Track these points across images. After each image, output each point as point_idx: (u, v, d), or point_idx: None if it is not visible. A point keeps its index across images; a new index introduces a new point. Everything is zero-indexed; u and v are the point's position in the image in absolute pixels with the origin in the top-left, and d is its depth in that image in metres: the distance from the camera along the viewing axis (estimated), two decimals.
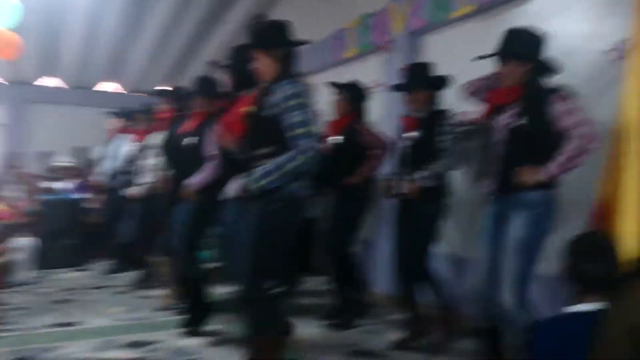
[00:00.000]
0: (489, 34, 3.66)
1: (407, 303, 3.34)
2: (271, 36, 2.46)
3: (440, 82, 3.29)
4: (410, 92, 3.28)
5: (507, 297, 2.40)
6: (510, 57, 2.51)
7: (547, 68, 2.52)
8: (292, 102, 2.29)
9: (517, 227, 2.42)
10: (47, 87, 9.25)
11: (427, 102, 3.26)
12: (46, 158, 8.37)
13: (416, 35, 4.42)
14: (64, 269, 5.86)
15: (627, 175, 2.40)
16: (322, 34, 5.62)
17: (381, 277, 4.42)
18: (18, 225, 5.25)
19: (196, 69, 8.65)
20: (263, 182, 2.28)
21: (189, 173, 3.49)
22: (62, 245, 6.00)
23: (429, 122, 3.22)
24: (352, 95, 3.88)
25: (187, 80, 8.93)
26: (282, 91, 2.32)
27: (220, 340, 3.35)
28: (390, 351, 3.23)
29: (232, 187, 2.60)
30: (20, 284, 4.97)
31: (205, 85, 3.66)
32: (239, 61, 3.02)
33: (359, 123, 3.82)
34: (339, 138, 3.80)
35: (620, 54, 2.77)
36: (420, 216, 3.20)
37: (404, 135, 3.31)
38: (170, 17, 7.17)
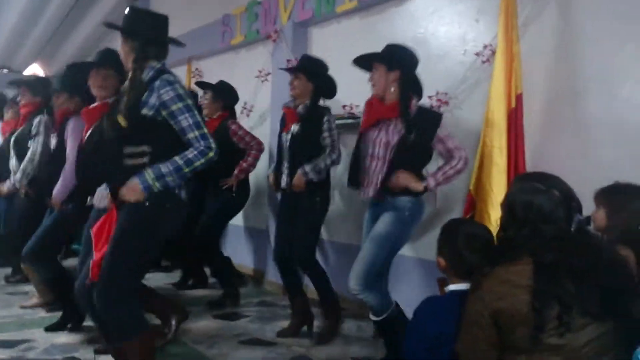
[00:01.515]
0: (370, 30, 3.89)
1: (291, 292, 3.44)
2: (132, 24, 2.34)
3: (325, 80, 3.35)
4: (294, 76, 3.33)
5: (351, 281, 2.57)
6: (381, 61, 2.67)
7: (415, 83, 2.71)
8: (178, 105, 2.18)
9: (380, 223, 2.63)
10: None
11: (307, 93, 3.31)
12: None
13: (302, 26, 4.52)
14: None
15: (492, 168, 2.71)
16: (210, 18, 5.52)
17: (274, 265, 4.51)
18: None
19: (67, 49, 8.19)
20: (159, 183, 2.16)
21: (51, 175, 3.33)
22: None
23: (309, 117, 3.29)
24: (221, 95, 4.03)
25: (57, 62, 8.41)
26: (163, 91, 2.19)
27: (96, 336, 3.22)
28: (278, 339, 3.31)
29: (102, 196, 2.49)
30: None
31: (69, 80, 3.40)
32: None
33: (230, 122, 3.95)
34: None
35: (487, 56, 3.04)
36: (304, 208, 3.28)
37: (286, 129, 3.37)
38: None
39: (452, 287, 1.78)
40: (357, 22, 4.11)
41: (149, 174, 2.15)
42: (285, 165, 3.34)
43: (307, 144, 3.26)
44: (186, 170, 2.17)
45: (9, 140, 4.20)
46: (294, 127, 3.31)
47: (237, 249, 5.13)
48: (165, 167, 2.16)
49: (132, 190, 2.16)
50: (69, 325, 3.36)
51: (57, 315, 3.45)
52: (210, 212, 4.05)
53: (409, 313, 2.70)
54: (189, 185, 2.37)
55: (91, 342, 3.14)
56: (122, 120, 2.21)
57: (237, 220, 4.86)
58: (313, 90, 3.32)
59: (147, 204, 2.19)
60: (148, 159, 2.20)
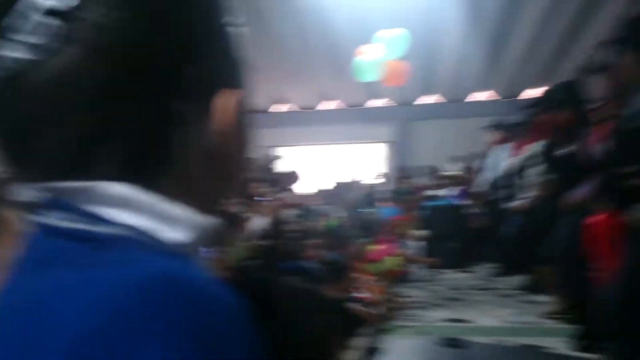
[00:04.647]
0: None
1: None
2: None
3: None
4: None
5: None
6: None
7: None
8: None
9: None
10: (426, 105, 10.31)
11: None
12: (431, 170, 9.34)
13: None
14: (450, 270, 6.36)
15: None
16: None
17: None
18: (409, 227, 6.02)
19: (568, 68, 8.20)
20: None
21: (569, 183, 3.40)
22: (448, 247, 6.55)
23: None
24: None
25: (558, 81, 8.54)
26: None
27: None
28: None
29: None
30: (414, 280, 5.67)
31: (568, 92, 3.53)
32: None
33: None
34: None
35: None
36: None
37: None
38: (540, 18, 7.01)
39: None
40: None
41: None
42: None
43: None
44: None
45: (523, 158, 4.65)
46: None
47: None
48: None
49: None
50: (581, 342, 3.34)
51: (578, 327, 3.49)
52: None
53: None
54: None
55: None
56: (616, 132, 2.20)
57: None
58: None
59: None
60: None
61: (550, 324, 3.90)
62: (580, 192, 3.28)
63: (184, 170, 0.44)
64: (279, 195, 5.81)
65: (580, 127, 3.34)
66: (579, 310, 3.47)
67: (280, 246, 3.31)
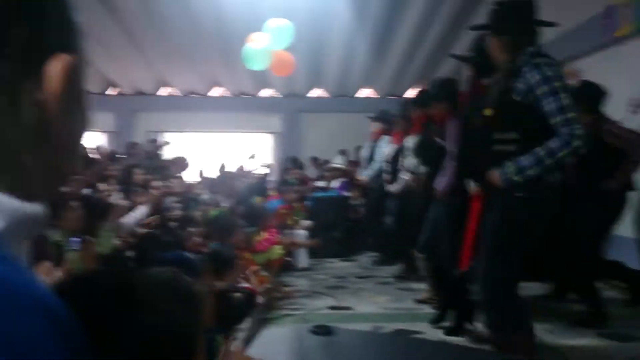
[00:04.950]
0: None
1: None
2: (502, 20, 2.37)
3: None
4: None
5: None
6: None
7: None
8: (545, 88, 2.15)
9: None
10: (314, 98, 10.47)
11: None
12: (317, 162, 9.48)
13: None
14: (333, 259, 6.51)
15: None
16: (590, 13, 5.11)
17: None
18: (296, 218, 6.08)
19: (447, 68, 8.72)
20: (519, 176, 2.20)
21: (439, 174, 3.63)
22: (331, 237, 6.69)
23: None
24: (588, 94, 3.56)
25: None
26: (530, 75, 2.20)
27: (480, 339, 3.32)
28: None
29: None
30: (298, 270, 5.73)
31: (443, 88, 3.71)
32: (480, 51, 2.92)
33: (605, 122, 3.51)
34: None
35: None
36: None
37: None
38: (421, 21, 7.37)
39: None
40: None
41: (510, 167, 2.20)
42: None
43: None
44: (549, 161, 2.14)
45: (399, 148, 4.87)
46: None
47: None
48: (526, 160, 2.17)
49: (493, 181, 2.27)
50: (447, 323, 3.57)
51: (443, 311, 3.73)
52: (593, 230, 3.63)
53: None
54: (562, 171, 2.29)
55: (476, 342, 3.27)
56: (487, 111, 2.32)
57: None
58: None
59: (516, 195, 2.23)
60: (516, 146, 2.23)
61: (423, 309, 4.14)
62: (443, 180, 3.49)
63: (4, 146, 0.38)
64: (165, 183, 5.58)
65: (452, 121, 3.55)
66: (445, 295, 3.73)
67: (160, 235, 3.17)
